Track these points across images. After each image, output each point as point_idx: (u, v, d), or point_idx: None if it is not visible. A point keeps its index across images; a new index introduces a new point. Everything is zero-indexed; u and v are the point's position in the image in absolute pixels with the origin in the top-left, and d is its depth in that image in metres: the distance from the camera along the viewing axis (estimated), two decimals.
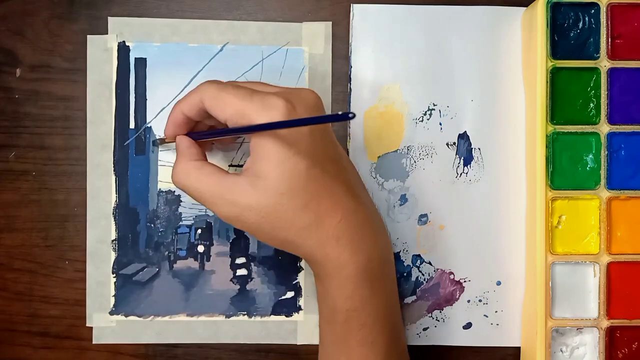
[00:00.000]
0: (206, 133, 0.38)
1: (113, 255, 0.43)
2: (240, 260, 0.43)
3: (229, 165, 0.43)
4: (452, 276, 0.44)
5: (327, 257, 0.35)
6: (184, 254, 0.43)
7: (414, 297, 0.43)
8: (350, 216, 0.35)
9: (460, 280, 0.43)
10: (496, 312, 0.43)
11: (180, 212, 0.43)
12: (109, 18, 0.43)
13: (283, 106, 0.33)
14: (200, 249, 0.43)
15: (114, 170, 0.43)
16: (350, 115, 0.28)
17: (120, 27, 0.43)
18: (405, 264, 0.43)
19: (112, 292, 0.43)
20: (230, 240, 0.44)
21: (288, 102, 0.33)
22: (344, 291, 0.35)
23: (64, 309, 0.43)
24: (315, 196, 0.34)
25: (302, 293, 0.43)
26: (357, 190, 0.37)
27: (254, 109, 0.33)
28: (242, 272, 0.43)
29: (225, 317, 0.43)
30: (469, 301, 0.43)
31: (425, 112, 0.43)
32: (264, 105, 0.33)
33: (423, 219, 0.43)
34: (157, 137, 0.43)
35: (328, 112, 0.43)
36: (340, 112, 0.29)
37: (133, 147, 0.43)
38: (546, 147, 0.41)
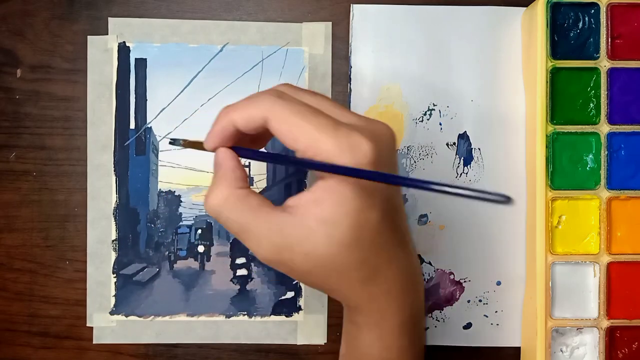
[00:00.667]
0: (260, 155, 0.32)
1: (113, 256, 0.43)
2: (241, 260, 0.43)
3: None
4: (452, 276, 0.44)
5: (373, 309, 0.32)
6: (184, 254, 0.43)
7: None
8: (402, 269, 0.32)
9: (460, 281, 0.43)
10: (496, 312, 0.43)
11: (181, 212, 0.43)
12: (109, 18, 0.43)
13: (370, 150, 0.28)
14: (201, 249, 0.43)
15: (114, 171, 0.43)
16: (511, 201, 0.24)
17: (120, 28, 0.43)
18: None
19: (113, 292, 0.43)
20: (231, 241, 0.44)
21: (375, 144, 0.29)
22: (383, 342, 0.33)
23: (64, 309, 0.43)
24: (377, 249, 0.30)
25: (302, 293, 0.43)
26: (407, 237, 0.33)
27: (338, 148, 0.28)
28: (242, 272, 0.43)
29: (226, 317, 0.43)
30: (469, 301, 0.43)
31: (425, 112, 0.43)
32: (350, 145, 0.28)
33: (423, 219, 0.43)
34: (182, 139, 0.34)
35: None
36: (501, 193, 0.24)
37: (133, 147, 0.43)
38: (546, 147, 0.41)
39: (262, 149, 0.34)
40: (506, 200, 0.24)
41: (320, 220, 0.29)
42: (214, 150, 0.32)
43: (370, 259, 0.30)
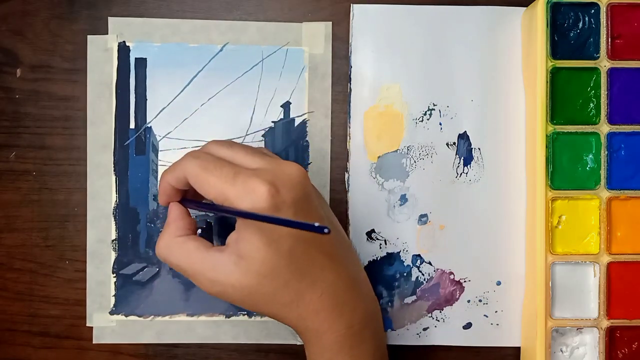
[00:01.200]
0: (199, 205, 0.37)
1: (113, 255, 0.43)
2: None
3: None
4: (452, 276, 0.44)
5: (307, 329, 0.36)
6: None
7: (414, 297, 0.43)
8: (329, 289, 0.35)
9: (460, 280, 0.43)
10: (496, 312, 0.43)
11: None
12: (109, 18, 0.43)
13: (265, 192, 0.32)
14: None
15: (114, 170, 0.43)
16: (325, 230, 0.28)
17: (120, 27, 0.43)
18: (405, 264, 0.43)
19: (112, 292, 0.43)
20: None
21: (271, 185, 0.33)
22: (325, 357, 0.36)
23: (64, 309, 0.43)
24: (296, 274, 0.34)
25: None
26: (339, 256, 0.36)
27: (236, 194, 0.33)
28: None
29: (225, 317, 0.43)
30: (469, 301, 0.43)
31: (425, 112, 0.43)
32: (246, 190, 0.32)
33: (423, 219, 0.43)
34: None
35: (327, 114, 0.43)
36: (316, 224, 0.28)
37: (133, 147, 0.43)
38: (546, 147, 0.41)
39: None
40: (327, 231, 0.28)
41: (239, 256, 0.34)
42: (165, 205, 0.37)
43: (291, 283, 0.34)
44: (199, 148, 0.37)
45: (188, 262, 0.35)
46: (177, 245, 0.35)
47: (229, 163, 0.34)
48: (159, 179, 0.37)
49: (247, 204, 0.32)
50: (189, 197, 0.38)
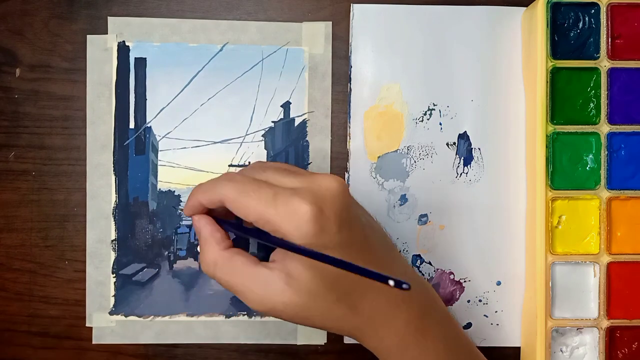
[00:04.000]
0: (237, 228, 0.35)
1: (113, 255, 0.43)
2: None
3: (229, 165, 0.43)
4: (452, 276, 0.44)
5: (365, 336, 0.35)
6: (183, 254, 0.43)
7: None
8: (380, 295, 0.35)
9: (460, 280, 0.43)
10: (496, 312, 0.43)
11: (180, 212, 0.43)
12: (109, 18, 0.43)
13: (308, 211, 0.31)
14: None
15: (113, 170, 0.43)
16: (404, 286, 0.26)
17: (120, 27, 0.43)
18: None
19: (112, 292, 0.43)
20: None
21: (313, 204, 0.32)
22: (390, 359, 0.35)
23: (64, 309, 0.43)
24: (347, 288, 0.34)
25: None
26: (383, 259, 0.36)
27: (279, 218, 0.32)
28: None
29: (225, 317, 0.43)
30: (469, 301, 0.43)
31: (425, 112, 0.43)
32: (288, 211, 0.32)
33: (423, 219, 0.43)
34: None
35: (327, 114, 0.43)
36: (392, 282, 0.27)
37: (133, 147, 0.43)
38: (546, 147, 0.41)
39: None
40: (407, 287, 0.27)
41: (288, 274, 0.33)
42: (191, 216, 0.36)
43: (343, 298, 0.34)
44: (228, 173, 0.36)
45: (237, 279, 0.34)
46: (224, 260, 0.34)
47: (266, 184, 0.33)
48: (188, 196, 0.36)
49: (291, 226, 0.32)
50: (217, 215, 0.37)
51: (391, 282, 0.27)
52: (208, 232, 0.35)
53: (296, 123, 0.43)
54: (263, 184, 0.33)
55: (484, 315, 0.44)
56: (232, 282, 0.34)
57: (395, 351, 0.35)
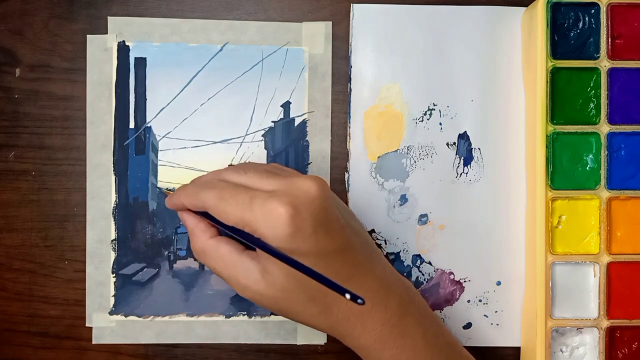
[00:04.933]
0: (224, 225, 0.36)
1: (113, 255, 0.43)
2: None
3: (229, 165, 0.43)
4: (452, 276, 0.44)
5: (342, 335, 0.36)
6: (183, 253, 0.43)
7: None
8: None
9: (460, 280, 0.43)
10: (496, 312, 0.43)
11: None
12: (109, 18, 0.43)
13: (284, 213, 0.32)
14: None
15: (113, 170, 0.43)
16: (359, 301, 0.28)
17: (120, 27, 0.43)
18: (405, 264, 0.43)
19: (112, 292, 0.43)
20: None
21: (289, 205, 0.33)
22: (371, 357, 0.36)
23: (64, 309, 0.43)
24: (320, 289, 0.34)
25: None
26: (364, 263, 0.36)
27: (256, 220, 0.33)
28: None
29: (225, 317, 0.43)
30: (469, 301, 0.43)
31: (425, 112, 0.43)
32: (265, 215, 0.33)
33: (423, 219, 0.43)
34: (165, 189, 0.43)
35: (327, 114, 0.43)
36: (349, 295, 0.29)
37: (133, 147, 0.43)
38: (546, 147, 0.41)
39: None
40: (362, 302, 0.29)
41: (264, 268, 0.34)
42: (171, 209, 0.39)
43: (317, 297, 0.34)
44: (213, 174, 0.38)
45: (222, 266, 0.36)
46: (211, 248, 0.36)
47: (244, 188, 0.34)
48: (165, 199, 0.39)
49: (268, 228, 0.33)
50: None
51: (347, 296, 0.29)
52: (192, 223, 0.37)
53: (296, 123, 0.43)
54: (241, 189, 0.34)
55: (484, 315, 0.44)
56: (219, 270, 0.36)
57: (372, 350, 0.36)
